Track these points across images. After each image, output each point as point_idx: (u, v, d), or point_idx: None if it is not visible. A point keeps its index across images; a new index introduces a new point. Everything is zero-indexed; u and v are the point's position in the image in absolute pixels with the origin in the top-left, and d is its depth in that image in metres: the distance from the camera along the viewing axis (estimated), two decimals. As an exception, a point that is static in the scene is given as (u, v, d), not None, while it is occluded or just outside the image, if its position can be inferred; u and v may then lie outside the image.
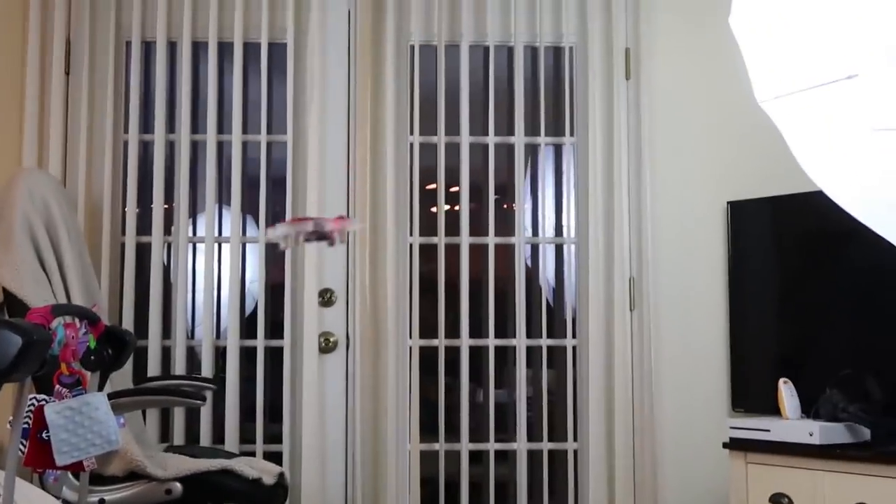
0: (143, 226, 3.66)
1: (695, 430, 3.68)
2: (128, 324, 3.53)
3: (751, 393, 3.58)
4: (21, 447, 2.29)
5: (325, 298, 3.65)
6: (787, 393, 3.16)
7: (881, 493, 2.75)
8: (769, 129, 2.25)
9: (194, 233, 3.76)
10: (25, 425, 2.31)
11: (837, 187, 2.37)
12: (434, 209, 3.75)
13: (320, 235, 2.59)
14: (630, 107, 3.76)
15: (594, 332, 3.63)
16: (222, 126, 3.71)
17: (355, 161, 3.69)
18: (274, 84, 3.77)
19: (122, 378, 3.25)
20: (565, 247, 3.82)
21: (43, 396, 2.37)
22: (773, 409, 3.20)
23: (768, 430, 3.06)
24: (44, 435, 2.31)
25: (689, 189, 3.79)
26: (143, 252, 3.64)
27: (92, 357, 2.49)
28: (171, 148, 3.70)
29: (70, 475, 2.83)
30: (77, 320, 2.44)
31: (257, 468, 3.07)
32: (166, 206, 3.67)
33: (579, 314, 3.75)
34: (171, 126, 3.69)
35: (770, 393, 3.23)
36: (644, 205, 3.70)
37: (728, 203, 3.71)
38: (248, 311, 3.81)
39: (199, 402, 2.88)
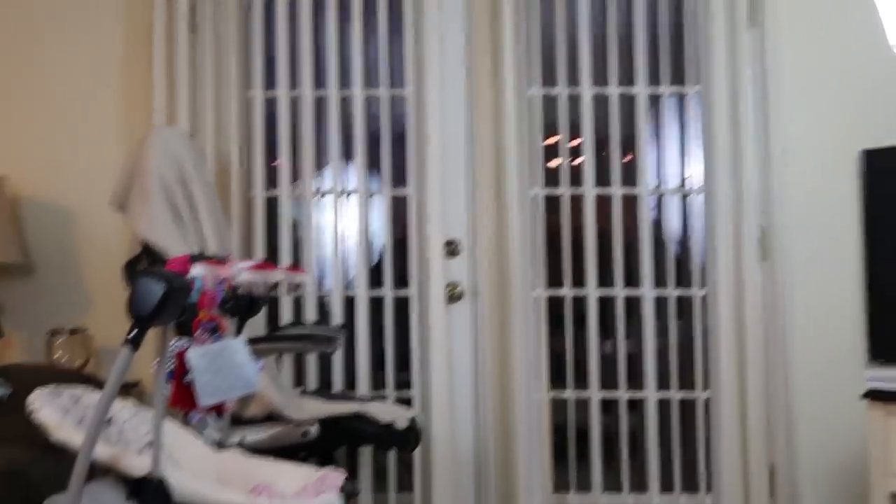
0: (270, 180, 3.72)
1: (831, 381, 3.59)
2: (259, 275, 3.61)
3: (890, 343, 3.47)
4: (166, 390, 2.36)
5: (450, 249, 3.67)
6: (929, 341, 3.05)
7: None
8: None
9: (320, 187, 3.81)
10: (169, 369, 2.38)
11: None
12: (554, 163, 3.73)
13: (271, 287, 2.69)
14: (755, 53, 3.65)
15: (723, 281, 3.57)
16: (344, 81, 3.74)
17: (477, 113, 3.68)
18: (393, 38, 3.78)
19: (256, 327, 3.32)
20: (690, 197, 3.76)
21: (185, 341, 2.44)
22: (915, 361, 3.11)
23: (910, 380, 2.97)
24: (187, 378, 2.38)
25: (820, 137, 3.68)
26: (271, 205, 3.71)
27: (229, 304, 2.55)
28: (294, 104, 3.75)
29: (212, 416, 2.91)
30: (214, 269, 2.49)
31: (390, 412, 3.11)
32: (292, 161, 3.72)
33: (708, 264, 3.69)
34: (294, 82, 3.74)
35: (910, 342, 3.12)
36: (773, 153, 3.61)
37: (862, 151, 3.60)
38: (374, 262, 3.86)
39: (331, 348, 2.93)
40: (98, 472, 2.85)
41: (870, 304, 3.57)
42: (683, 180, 3.84)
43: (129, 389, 3.53)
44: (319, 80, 3.76)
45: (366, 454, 3.60)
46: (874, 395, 3.05)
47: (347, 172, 3.83)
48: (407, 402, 3.60)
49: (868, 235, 3.59)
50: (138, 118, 3.74)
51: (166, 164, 3.19)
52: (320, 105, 3.78)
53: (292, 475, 2.52)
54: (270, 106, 3.78)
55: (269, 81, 3.77)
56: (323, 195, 3.79)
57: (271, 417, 3.00)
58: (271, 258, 3.66)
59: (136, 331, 2.11)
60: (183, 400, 2.41)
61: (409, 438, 3.16)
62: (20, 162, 3.76)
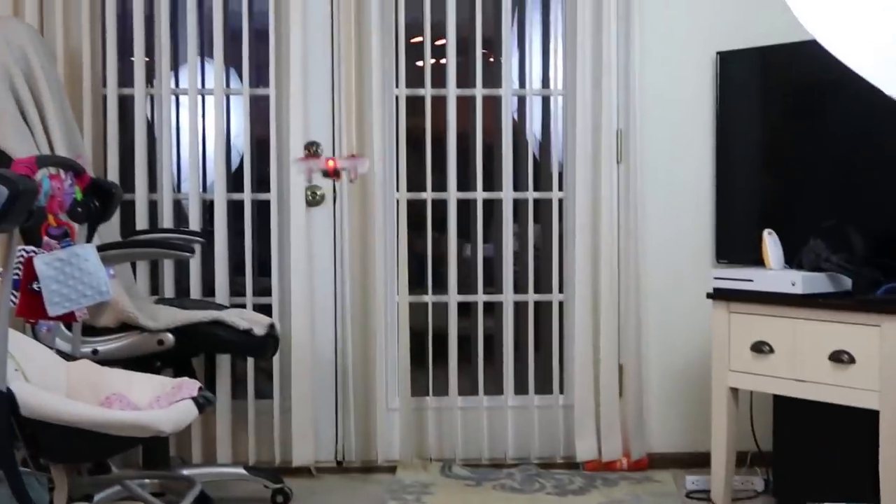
0: (125, 78, 3.59)
1: (680, 281, 3.72)
2: (113, 177, 3.51)
3: (736, 244, 3.61)
4: (12, 298, 2.31)
5: (312, 151, 3.63)
6: (771, 243, 3.17)
7: (860, 340, 2.80)
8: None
9: (177, 85, 3.70)
10: (16, 276, 2.32)
11: (832, 34, 2.33)
12: (420, 63, 3.69)
13: (333, 172, 2.75)
14: (618, -49, 3.65)
15: (581, 184, 3.63)
16: (202, -26, 3.62)
17: (339, 11, 3.61)
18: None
19: (110, 232, 3.25)
20: (552, 99, 3.79)
21: (32, 248, 2.38)
22: (758, 261, 3.23)
23: (751, 280, 3.09)
24: (34, 286, 2.33)
25: (678, 39, 3.73)
26: (125, 105, 3.59)
27: (79, 209, 2.49)
28: (150, -4, 3.61)
29: (62, 326, 2.85)
30: (62, 172, 2.43)
31: (248, 319, 3.10)
32: (147, 58, 3.59)
33: (566, 167, 3.75)
34: (149, -26, 3.59)
35: (755, 245, 3.24)
36: (633, 55, 3.65)
37: (717, 54, 3.67)
38: (234, 164, 3.79)
39: (188, 253, 2.89)
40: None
41: (718, 205, 3.70)
42: (546, 82, 3.87)
43: (-26, 298, 3.42)
44: (176, -28, 3.63)
45: (224, 362, 3.58)
46: (718, 294, 3.17)
47: (205, 70, 3.73)
48: (266, 308, 3.58)
49: (720, 138, 3.69)
50: (-20, 9, 3.55)
51: (11, 58, 3.05)
52: (177, -1, 3.65)
53: (146, 385, 2.51)
54: (124, -1, 3.64)
55: (122, -28, 3.62)
56: (180, 94, 3.68)
57: (125, 326, 2.96)
58: (126, 159, 3.55)
59: (-21, 237, 2.05)
60: (31, 309, 2.36)
61: (267, 345, 3.15)
62: None
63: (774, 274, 3.08)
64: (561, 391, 3.77)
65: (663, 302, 3.73)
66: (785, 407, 3.21)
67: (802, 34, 2.29)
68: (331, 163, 3.01)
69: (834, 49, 2.39)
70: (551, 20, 3.78)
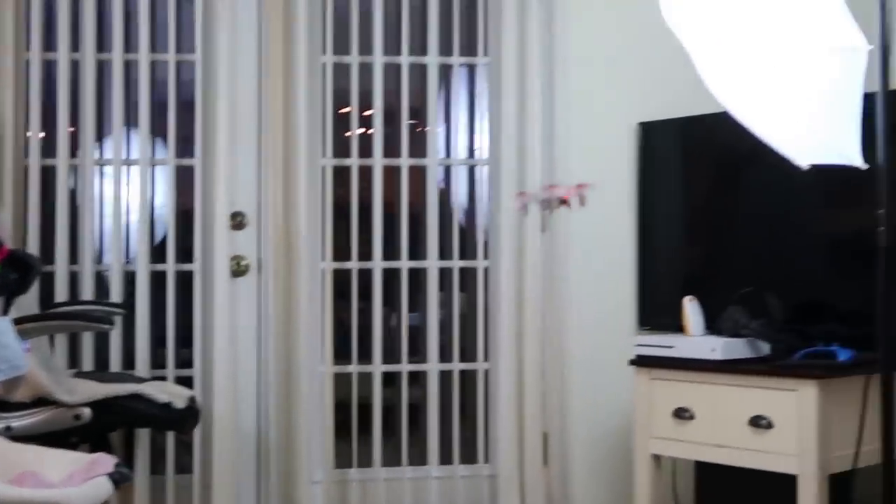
0: (48, 148, 3.57)
1: (603, 348, 3.75)
2: (33, 249, 3.46)
3: (658, 312, 3.66)
4: (-77, 374, 2.26)
5: (237, 221, 3.62)
6: (691, 310, 3.23)
7: (778, 405, 2.85)
8: (681, 49, 2.30)
9: (101, 156, 3.68)
10: (-73, 352, 2.28)
11: (744, 108, 2.42)
12: (347, 133, 3.72)
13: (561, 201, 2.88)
14: (543, 25, 3.72)
15: (506, 253, 3.66)
16: (129, 45, 3.62)
17: (267, 81, 3.63)
18: (182, 0, 3.67)
19: (29, 304, 3.20)
20: (478, 168, 3.84)
21: (-55, 322, 2.33)
22: (681, 328, 3.28)
23: (672, 347, 3.14)
24: (-54, 361, 2.28)
25: (600, 109, 3.81)
26: (48, 175, 3.56)
27: (-5, 282, 2.46)
28: (75, 67, 3.60)
29: (-26, 402, 2.80)
30: (-22, 245, 2.40)
31: (168, 392, 3.06)
32: (72, 128, 3.58)
33: (491, 236, 3.78)
34: (75, 44, 3.59)
35: (677, 312, 3.29)
36: (556, 125, 3.71)
37: (639, 124, 3.75)
38: (159, 236, 3.76)
39: (107, 326, 2.86)
40: None
41: (641, 273, 3.75)
42: (472, 152, 3.91)
43: None
44: (102, 43, 3.62)
45: (143, 436, 3.52)
46: (640, 361, 3.21)
47: (130, 141, 3.72)
48: (188, 380, 3.54)
49: (642, 207, 3.76)
50: None
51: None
52: (103, 69, 3.64)
53: (60, 461, 2.45)
54: (49, 69, 3.62)
55: (48, 43, 3.61)
56: (104, 165, 3.66)
57: (41, 401, 2.90)
58: (47, 231, 3.52)
59: None
60: (-58, 385, 2.32)
61: (187, 418, 3.11)
62: None
63: (695, 340, 3.13)
64: (486, 461, 3.76)
65: (588, 369, 3.75)
66: (707, 473, 3.24)
67: (722, 105, 2.38)
68: (562, 191, 3.05)
69: (746, 121, 2.47)
70: (476, 90, 3.84)
